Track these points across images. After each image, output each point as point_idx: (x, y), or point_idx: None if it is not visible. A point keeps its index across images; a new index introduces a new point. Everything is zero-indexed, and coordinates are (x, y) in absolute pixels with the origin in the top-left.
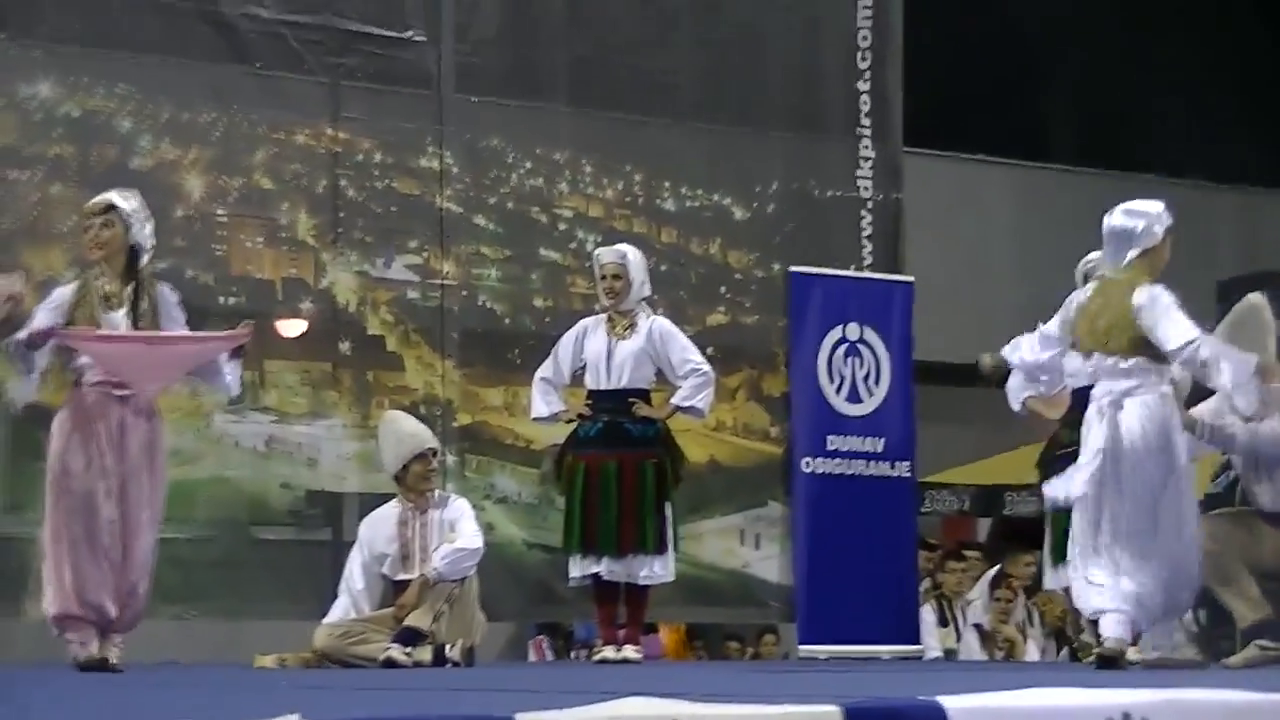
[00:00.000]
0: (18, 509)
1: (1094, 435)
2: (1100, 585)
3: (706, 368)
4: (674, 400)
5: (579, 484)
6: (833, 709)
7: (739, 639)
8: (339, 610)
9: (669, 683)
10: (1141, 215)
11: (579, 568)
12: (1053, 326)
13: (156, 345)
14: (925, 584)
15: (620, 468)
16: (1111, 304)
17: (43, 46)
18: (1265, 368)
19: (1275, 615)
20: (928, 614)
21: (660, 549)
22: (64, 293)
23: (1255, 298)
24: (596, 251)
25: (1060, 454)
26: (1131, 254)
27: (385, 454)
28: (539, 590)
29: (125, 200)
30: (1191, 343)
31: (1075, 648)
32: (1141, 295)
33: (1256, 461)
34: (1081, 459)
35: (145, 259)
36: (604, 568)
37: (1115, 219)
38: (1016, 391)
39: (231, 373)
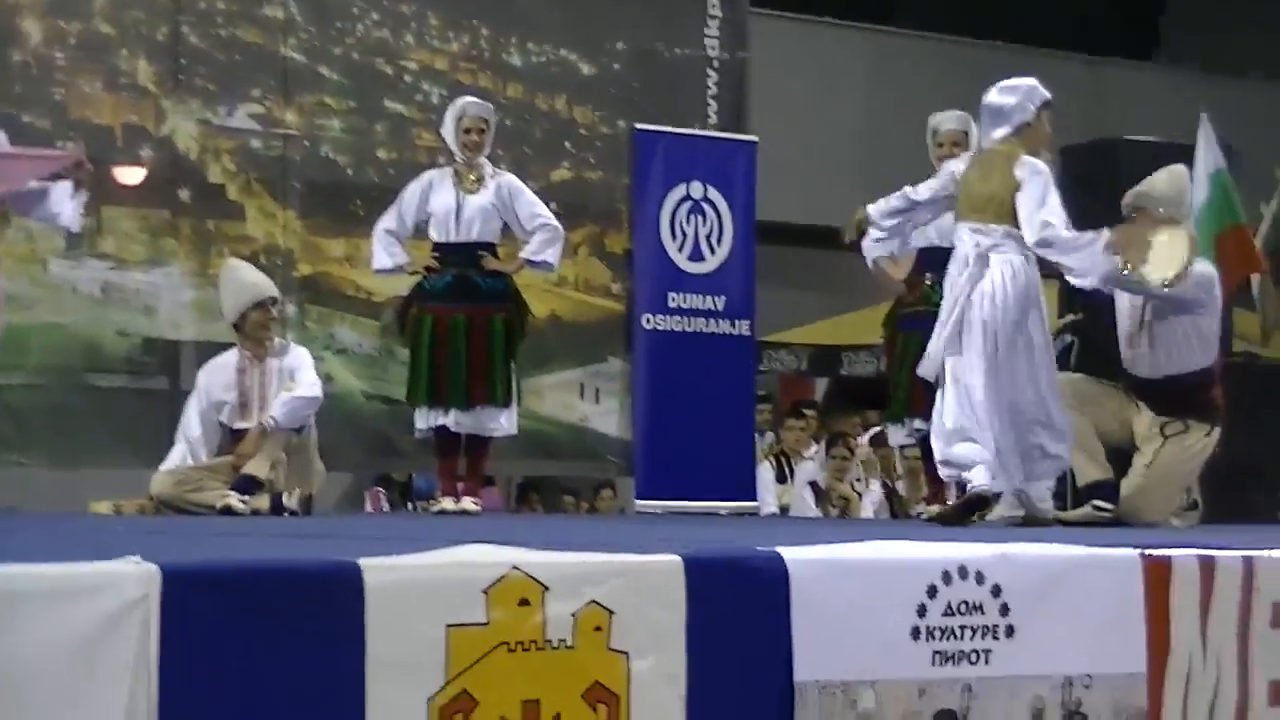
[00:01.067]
0: None
1: (956, 288)
2: (962, 442)
3: (555, 222)
4: (523, 254)
5: (426, 336)
6: (673, 559)
7: (575, 493)
8: (175, 457)
9: (509, 533)
10: (1014, 91)
11: (425, 419)
12: (923, 191)
13: None
14: (765, 441)
15: (469, 321)
16: (992, 175)
17: None
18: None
19: (1114, 478)
20: (765, 471)
21: (507, 402)
22: None
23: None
24: (460, 102)
25: (906, 313)
26: (1004, 130)
27: (225, 302)
28: (377, 442)
29: None
30: (1051, 225)
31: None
32: (1023, 169)
33: (1150, 324)
34: (942, 315)
35: None
36: (451, 419)
37: (990, 96)
38: (870, 249)
39: (71, 207)
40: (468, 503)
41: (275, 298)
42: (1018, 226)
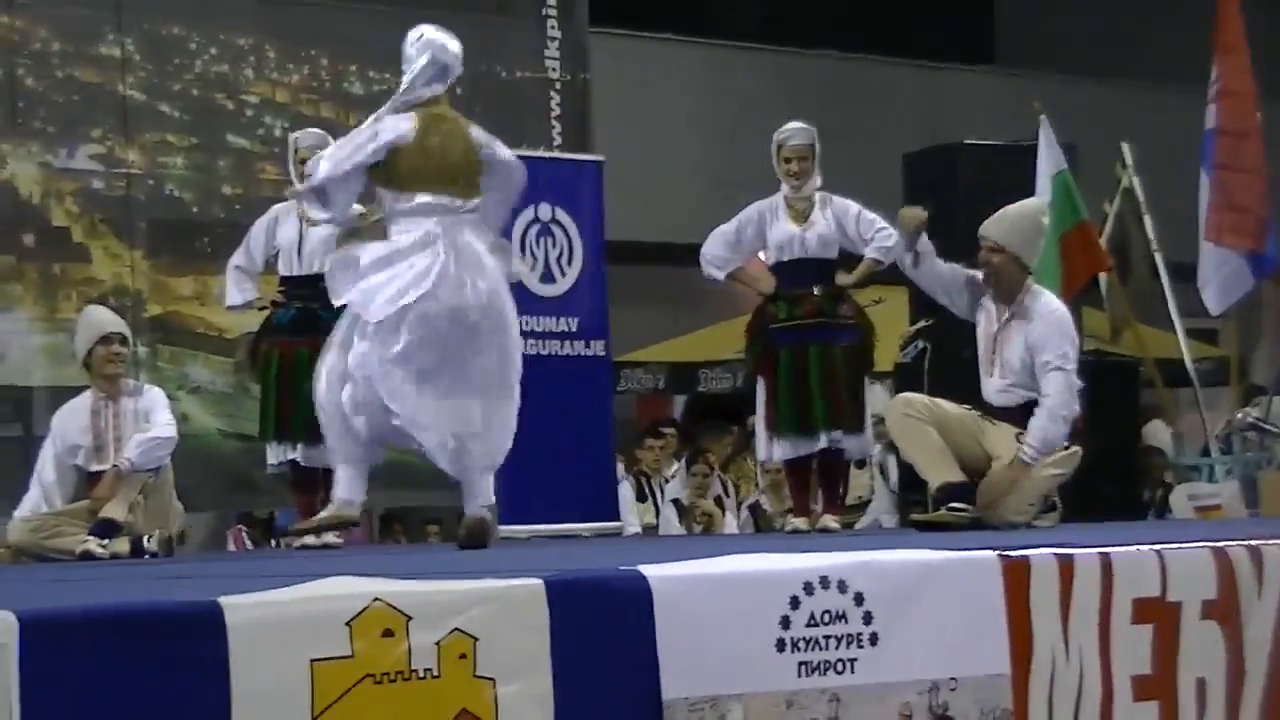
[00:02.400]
0: None
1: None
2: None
3: None
4: None
5: (273, 371)
6: (535, 583)
7: (438, 522)
8: (30, 503)
9: (371, 565)
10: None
11: (275, 454)
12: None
13: None
14: (622, 462)
15: (313, 354)
16: (453, 143)
17: None
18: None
19: (959, 480)
20: (626, 490)
21: None
22: None
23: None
24: (296, 135)
25: (778, 327)
26: (443, 85)
27: (76, 342)
28: (237, 479)
29: None
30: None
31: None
32: (481, 132)
33: (1003, 350)
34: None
35: None
36: (300, 454)
37: (448, 43)
38: (722, 260)
39: None
40: (329, 537)
41: (121, 333)
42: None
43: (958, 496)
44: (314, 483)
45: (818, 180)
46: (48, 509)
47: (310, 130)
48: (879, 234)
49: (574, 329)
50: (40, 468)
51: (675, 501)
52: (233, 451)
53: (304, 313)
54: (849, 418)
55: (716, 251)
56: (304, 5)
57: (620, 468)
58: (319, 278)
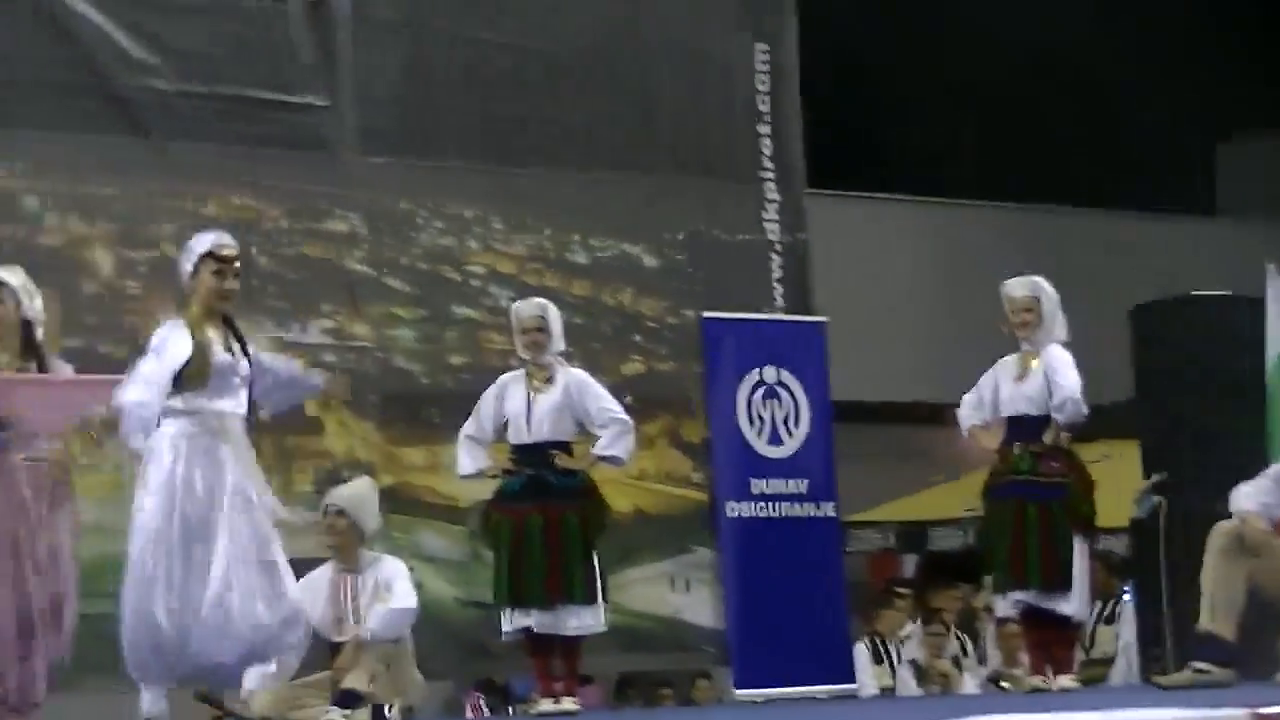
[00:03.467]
0: None
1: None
2: None
3: (625, 416)
4: (594, 450)
5: (505, 538)
6: None
7: (671, 685)
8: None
9: None
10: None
11: (510, 621)
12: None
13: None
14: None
15: (544, 520)
16: None
17: None
18: None
19: (1223, 636)
20: (861, 652)
21: (589, 599)
22: None
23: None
24: (515, 305)
25: (999, 482)
26: None
27: None
28: (473, 647)
29: (11, 274)
30: None
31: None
32: None
33: None
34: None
35: (40, 333)
36: (534, 620)
37: None
38: (964, 417)
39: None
40: (567, 703)
41: (339, 506)
42: None
43: (1210, 655)
44: (549, 648)
45: (1061, 332)
46: (276, 676)
47: (533, 300)
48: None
49: (803, 490)
50: None
51: (912, 662)
52: (468, 619)
53: (533, 480)
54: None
55: (964, 411)
56: (525, 175)
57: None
58: (547, 445)
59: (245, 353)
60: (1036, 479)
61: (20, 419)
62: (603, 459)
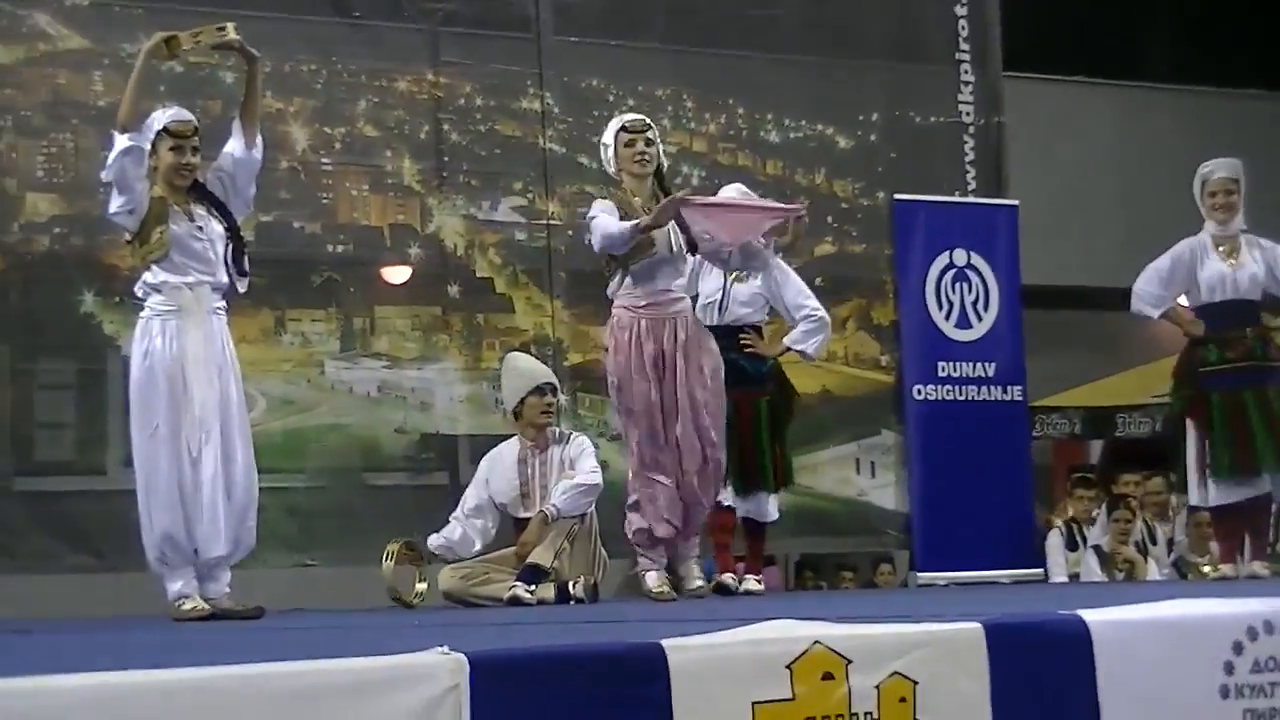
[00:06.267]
0: None
1: None
2: None
3: (820, 313)
4: (786, 340)
5: None
6: (974, 626)
7: (852, 569)
8: (446, 534)
9: (799, 609)
10: None
11: None
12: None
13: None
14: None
15: (736, 406)
16: None
17: (144, 6)
18: None
19: None
20: (1055, 538)
21: (777, 488)
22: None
23: None
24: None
25: (1205, 370)
26: None
27: (505, 391)
28: None
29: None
30: None
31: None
32: None
33: None
34: None
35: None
36: (729, 498)
37: None
38: (1151, 296)
39: None
40: (751, 582)
41: (552, 384)
42: None
43: None
44: (732, 527)
45: (1242, 219)
46: (460, 546)
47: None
48: None
49: (990, 374)
50: (463, 505)
51: (1096, 548)
52: None
53: (730, 365)
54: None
55: (1151, 289)
56: (719, 56)
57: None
58: (739, 328)
59: (220, 215)
60: (1260, 364)
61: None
62: (793, 350)
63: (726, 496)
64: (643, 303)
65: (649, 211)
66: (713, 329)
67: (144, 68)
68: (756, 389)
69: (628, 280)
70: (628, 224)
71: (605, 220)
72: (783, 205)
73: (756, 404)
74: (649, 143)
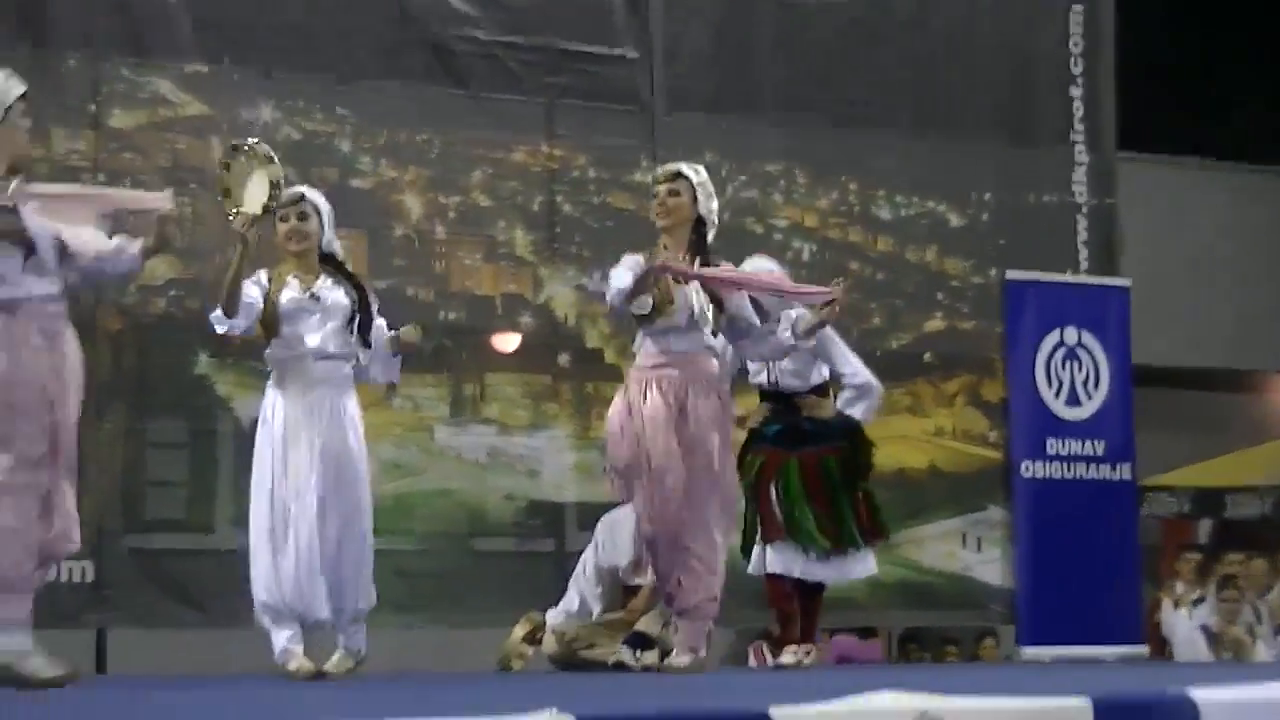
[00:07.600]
0: None
1: None
2: None
3: (859, 379)
4: (838, 404)
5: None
6: (1082, 702)
7: (956, 642)
8: (565, 606)
9: (908, 682)
10: None
11: (763, 563)
12: None
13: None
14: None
15: (801, 466)
16: None
17: (262, 72)
18: None
19: None
20: (1175, 614)
21: (869, 540)
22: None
23: None
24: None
25: None
26: None
27: None
28: (759, 597)
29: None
30: None
31: None
32: None
33: None
34: None
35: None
36: (800, 568)
37: None
38: None
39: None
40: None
41: None
42: None
43: None
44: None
45: None
46: (582, 610)
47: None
48: None
49: (1100, 452)
50: (580, 572)
51: (1204, 628)
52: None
53: (789, 426)
54: None
55: None
56: (831, 132)
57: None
58: (794, 394)
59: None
60: None
61: None
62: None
63: (798, 566)
64: (651, 363)
65: None
66: (772, 394)
67: (240, 264)
68: (825, 446)
69: (646, 341)
70: (629, 281)
71: (617, 271)
72: (810, 289)
73: (825, 461)
74: (671, 193)
